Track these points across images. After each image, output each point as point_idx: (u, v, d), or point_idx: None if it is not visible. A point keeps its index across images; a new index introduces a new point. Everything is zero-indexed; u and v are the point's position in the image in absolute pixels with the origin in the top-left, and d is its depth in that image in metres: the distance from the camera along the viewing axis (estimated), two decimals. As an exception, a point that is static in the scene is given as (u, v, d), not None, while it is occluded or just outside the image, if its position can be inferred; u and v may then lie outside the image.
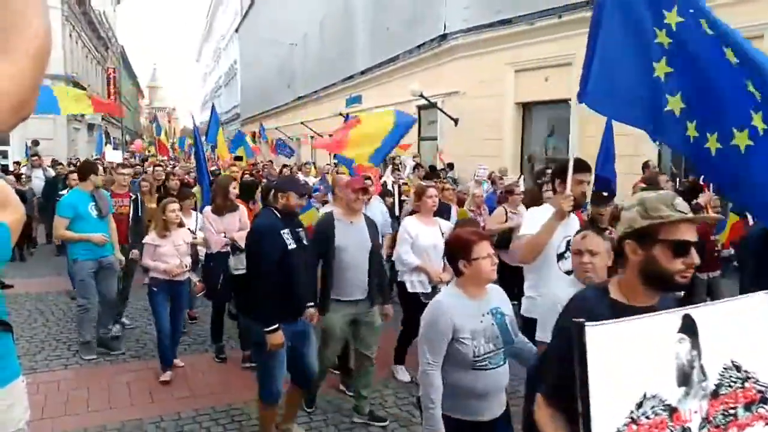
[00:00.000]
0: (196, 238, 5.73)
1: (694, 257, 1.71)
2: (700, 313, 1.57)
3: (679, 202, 1.74)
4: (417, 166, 12.12)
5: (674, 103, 2.90)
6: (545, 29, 12.47)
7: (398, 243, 5.03)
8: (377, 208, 6.27)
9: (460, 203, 7.85)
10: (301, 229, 3.91)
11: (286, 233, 3.72)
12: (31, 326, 6.70)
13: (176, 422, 4.38)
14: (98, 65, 39.15)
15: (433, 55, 16.38)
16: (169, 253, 5.14)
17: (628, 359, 1.46)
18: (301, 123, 27.58)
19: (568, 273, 3.25)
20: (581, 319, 1.42)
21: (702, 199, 5.61)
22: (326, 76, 26.08)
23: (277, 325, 3.59)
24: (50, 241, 11.75)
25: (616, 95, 3.13)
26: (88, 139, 32.29)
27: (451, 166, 13.94)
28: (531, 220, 3.60)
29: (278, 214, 3.81)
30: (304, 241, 3.87)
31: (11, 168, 15.50)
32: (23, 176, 12.10)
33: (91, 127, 33.21)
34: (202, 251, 5.91)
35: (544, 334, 2.81)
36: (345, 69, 23.68)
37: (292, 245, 3.71)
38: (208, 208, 5.83)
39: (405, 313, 5.05)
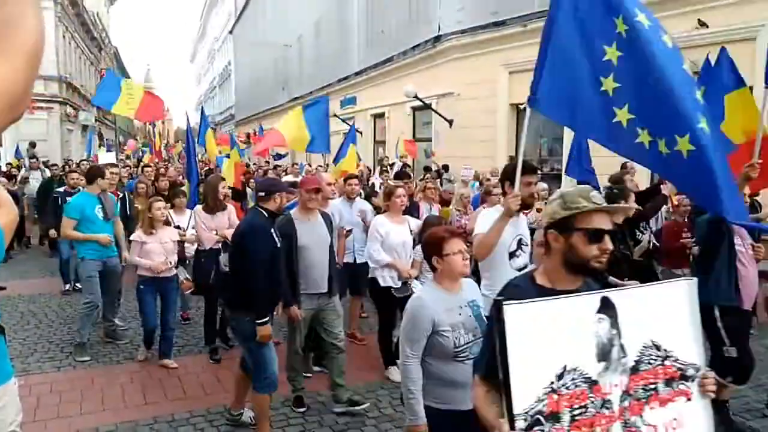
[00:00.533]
0: (185, 235, 5.95)
1: (608, 244, 1.85)
2: (619, 296, 1.72)
3: (595, 194, 1.90)
4: (404, 166, 12.17)
5: (622, 115, 3.04)
6: (539, 31, 12.45)
7: (369, 240, 5.30)
8: (364, 207, 6.39)
9: (445, 203, 8.02)
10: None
11: (273, 232, 4.01)
12: (23, 328, 6.67)
13: (170, 424, 4.37)
14: (91, 66, 38.96)
15: (427, 57, 16.40)
16: (156, 250, 5.35)
17: (547, 335, 1.58)
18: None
19: (519, 270, 3.54)
20: (499, 298, 1.58)
21: (665, 189, 5.86)
22: (321, 78, 26.05)
23: (267, 318, 3.88)
24: (43, 243, 11.69)
25: (567, 102, 3.26)
26: (81, 140, 32.12)
27: (446, 167, 13.97)
28: (483, 220, 3.75)
29: (266, 214, 4.03)
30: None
31: (3, 169, 15.42)
32: (17, 177, 12.04)
33: (84, 128, 33.03)
34: (189, 249, 6.10)
35: None
36: (340, 70, 23.66)
37: (278, 243, 4.00)
38: (199, 207, 6.03)
39: (378, 306, 5.38)
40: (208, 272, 5.72)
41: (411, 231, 5.25)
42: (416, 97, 15.07)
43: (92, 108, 32.73)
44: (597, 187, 6.09)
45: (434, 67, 16.07)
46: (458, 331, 2.68)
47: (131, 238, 5.54)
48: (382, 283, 5.16)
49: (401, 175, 8.19)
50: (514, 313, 1.55)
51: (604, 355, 1.65)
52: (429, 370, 2.71)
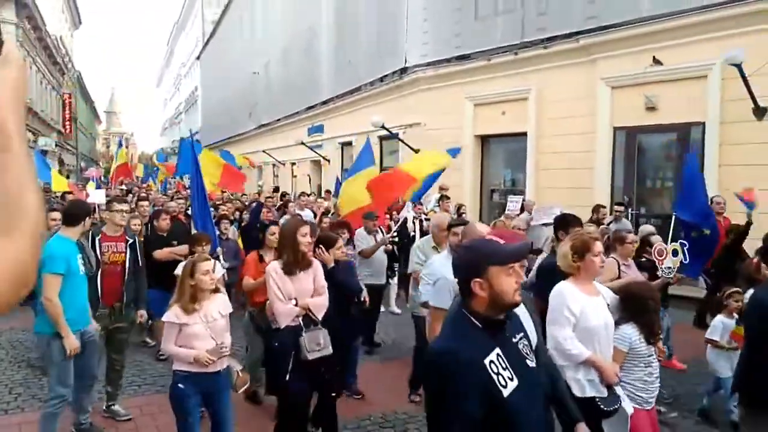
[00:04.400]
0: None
1: None
2: None
3: None
4: (443, 198, 10.33)
5: None
6: (502, 65, 12.87)
7: (555, 323, 3.33)
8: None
9: None
10: (522, 336, 2.12)
11: (495, 360, 1.91)
12: (-30, 368, 6.36)
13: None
14: (53, 90, 38.24)
15: (394, 87, 16.65)
16: (201, 334, 3.61)
17: None
18: (263, 151, 27.49)
19: None
20: None
21: None
22: (288, 105, 26.15)
23: None
24: None
25: None
26: (40, 167, 31.29)
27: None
28: None
29: (477, 323, 1.97)
30: (530, 361, 2.06)
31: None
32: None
33: (44, 153, 32.25)
34: None
35: None
36: (307, 98, 23.79)
37: (509, 384, 1.90)
38: (275, 264, 4.09)
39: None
40: (284, 362, 3.93)
41: (608, 305, 3.47)
42: (383, 127, 15.22)
43: (52, 133, 32.02)
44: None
45: (401, 98, 16.31)
46: None
47: (164, 319, 3.73)
48: (579, 393, 3.19)
49: (598, 220, 4.92)
50: None
51: None
52: None
